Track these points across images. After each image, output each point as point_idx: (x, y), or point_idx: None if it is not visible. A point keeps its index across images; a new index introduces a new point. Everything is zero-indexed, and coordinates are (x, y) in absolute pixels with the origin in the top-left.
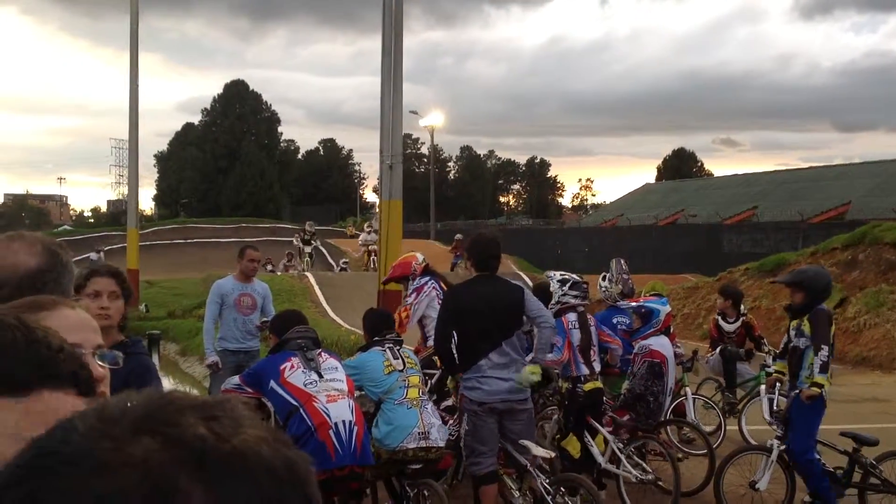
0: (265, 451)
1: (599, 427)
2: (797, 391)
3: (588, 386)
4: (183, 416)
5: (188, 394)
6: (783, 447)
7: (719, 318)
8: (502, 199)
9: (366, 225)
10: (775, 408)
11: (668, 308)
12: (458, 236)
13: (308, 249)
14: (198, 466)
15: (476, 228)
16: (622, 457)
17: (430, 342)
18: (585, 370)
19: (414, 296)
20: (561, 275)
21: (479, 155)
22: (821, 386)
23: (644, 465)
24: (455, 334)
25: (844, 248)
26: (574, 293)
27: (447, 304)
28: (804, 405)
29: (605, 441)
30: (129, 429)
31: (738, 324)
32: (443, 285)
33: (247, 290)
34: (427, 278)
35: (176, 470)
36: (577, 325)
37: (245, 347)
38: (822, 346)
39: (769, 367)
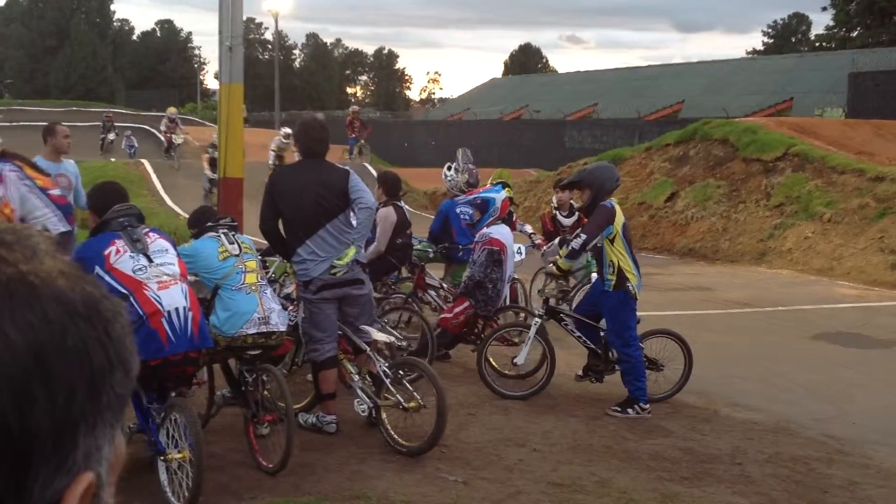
0: (61, 282)
1: None
2: (605, 289)
3: None
4: None
5: None
6: (540, 322)
7: (556, 212)
8: (350, 90)
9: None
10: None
11: (503, 195)
12: (354, 107)
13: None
14: None
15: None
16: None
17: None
18: None
19: (2, 189)
20: None
21: (326, 43)
22: (560, 269)
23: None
24: (280, 218)
25: (676, 145)
26: None
27: (271, 187)
28: (613, 302)
29: None
30: None
31: (575, 217)
32: (19, 164)
33: (61, 170)
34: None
35: None
36: None
37: (64, 230)
38: (581, 235)
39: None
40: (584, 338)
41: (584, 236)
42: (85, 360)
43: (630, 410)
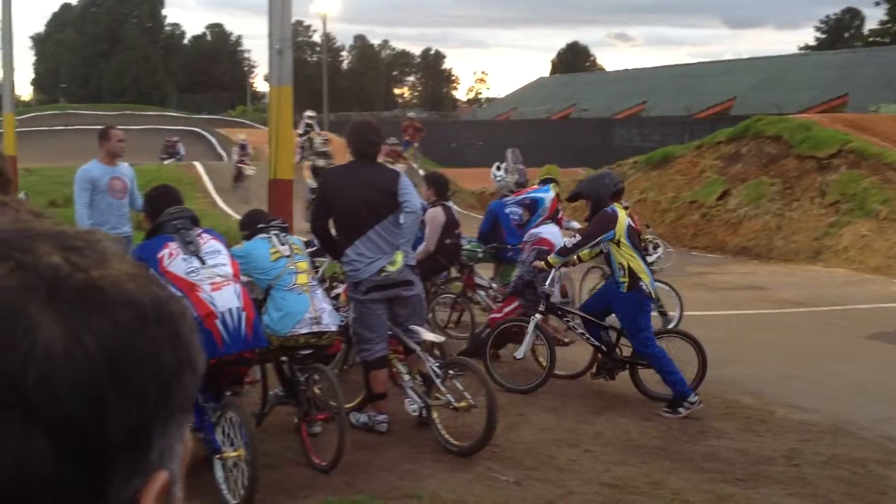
0: (130, 286)
1: None
2: (619, 291)
3: None
4: (38, 244)
5: (50, 223)
6: (540, 318)
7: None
8: (397, 91)
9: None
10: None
11: (551, 195)
12: (411, 114)
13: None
14: (48, 295)
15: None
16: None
17: None
18: None
19: None
20: None
21: (373, 45)
22: (549, 265)
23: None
24: (331, 218)
25: (728, 142)
26: None
27: (322, 187)
28: (629, 304)
29: None
30: None
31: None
32: None
33: (116, 173)
34: None
35: (25, 297)
36: None
37: (121, 233)
38: (577, 236)
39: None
40: (587, 334)
41: (578, 237)
42: (156, 363)
43: (681, 409)
